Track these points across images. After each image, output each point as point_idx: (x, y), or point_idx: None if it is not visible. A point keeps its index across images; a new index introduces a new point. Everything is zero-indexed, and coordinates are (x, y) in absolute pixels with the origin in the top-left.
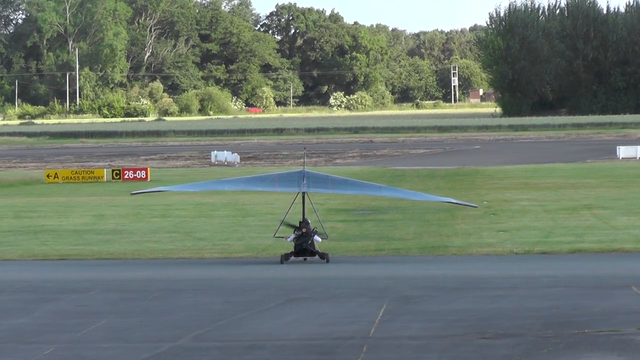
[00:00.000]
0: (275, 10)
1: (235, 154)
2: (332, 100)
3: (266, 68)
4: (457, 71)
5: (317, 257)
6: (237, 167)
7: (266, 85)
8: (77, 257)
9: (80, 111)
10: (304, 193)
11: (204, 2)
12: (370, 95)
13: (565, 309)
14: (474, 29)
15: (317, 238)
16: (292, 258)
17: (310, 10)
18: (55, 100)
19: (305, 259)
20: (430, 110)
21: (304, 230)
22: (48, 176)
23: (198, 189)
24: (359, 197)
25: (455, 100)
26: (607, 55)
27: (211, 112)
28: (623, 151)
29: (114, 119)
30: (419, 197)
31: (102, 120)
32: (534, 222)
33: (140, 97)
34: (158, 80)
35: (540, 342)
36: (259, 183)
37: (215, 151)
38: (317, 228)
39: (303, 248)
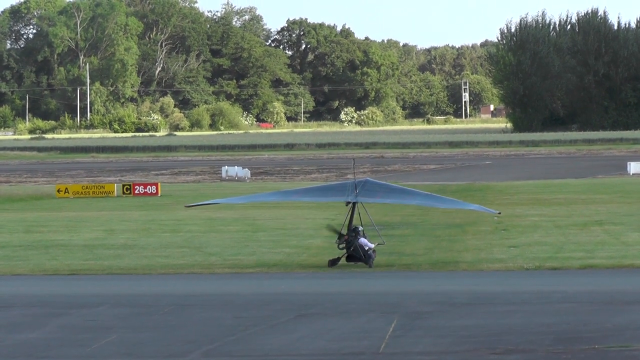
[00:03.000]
0: (286, 25)
1: (246, 169)
2: (343, 116)
3: (277, 83)
4: (468, 87)
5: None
6: (247, 183)
7: (277, 100)
8: (87, 272)
9: (91, 126)
10: (354, 203)
11: (215, 17)
12: (381, 111)
13: (576, 324)
14: (485, 44)
15: (364, 241)
16: (340, 263)
17: (321, 25)
18: (66, 115)
19: (355, 263)
20: (441, 125)
21: (346, 237)
22: (59, 191)
23: (252, 200)
24: (371, 212)
25: (466, 116)
26: (618, 71)
27: (222, 127)
28: (634, 167)
29: (124, 134)
30: (460, 205)
31: (112, 135)
32: (544, 238)
33: (151, 112)
34: (169, 95)
35: (550, 357)
36: (315, 193)
37: (226, 166)
38: (360, 234)
39: (350, 254)
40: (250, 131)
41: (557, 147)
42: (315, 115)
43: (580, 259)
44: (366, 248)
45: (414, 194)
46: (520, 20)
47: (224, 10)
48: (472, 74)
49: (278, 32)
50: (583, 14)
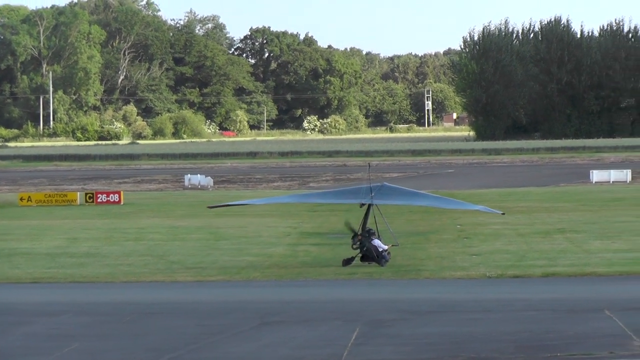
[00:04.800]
0: (249, 33)
1: (209, 177)
2: (305, 124)
3: (240, 91)
4: (430, 95)
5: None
6: (210, 191)
7: (240, 108)
8: (50, 280)
9: (53, 134)
10: (369, 205)
11: (178, 25)
12: (344, 119)
13: (538, 332)
14: (447, 52)
15: (378, 243)
16: (354, 263)
17: (284, 34)
18: (29, 123)
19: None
20: (404, 134)
21: (359, 237)
22: (21, 199)
23: (272, 201)
24: (332, 220)
25: (429, 124)
26: (581, 79)
27: (185, 136)
28: (596, 175)
29: (87, 142)
30: (465, 206)
31: (75, 143)
32: (507, 246)
33: (114, 120)
34: (132, 104)
35: None
36: (331, 196)
37: (189, 175)
38: (374, 236)
39: (363, 254)
40: (213, 139)
41: (519, 156)
42: (278, 123)
43: (543, 267)
44: (380, 249)
45: (424, 196)
46: (483, 29)
47: (187, 18)
48: (435, 82)
49: (241, 41)
50: (546, 23)
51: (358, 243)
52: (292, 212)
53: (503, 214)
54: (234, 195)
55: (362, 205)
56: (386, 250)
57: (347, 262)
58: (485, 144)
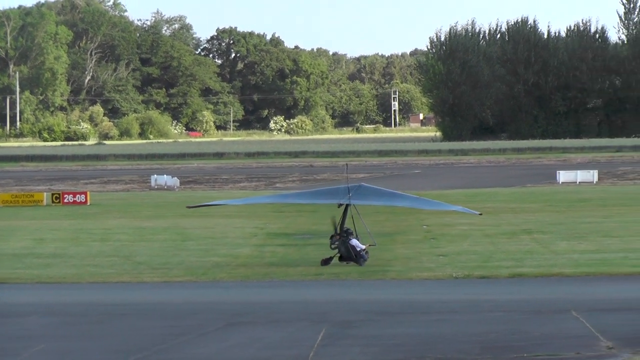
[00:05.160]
0: (216, 34)
1: (175, 178)
2: (272, 124)
3: (207, 92)
4: (397, 95)
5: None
6: (176, 191)
7: (206, 109)
8: (16, 281)
9: (20, 135)
10: (347, 205)
11: (144, 26)
12: (311, 120)
13: (504, 333)
14: (414, 53)
15: (355, 242)
16: (332, 262)
17: (251, 34)
18: None
19: (347, 263)
20: (371, 134)
21: (337, 237)
22: None
23: (250, 202)
24: (299, 221)
25: (395, 125)
26: (547, 80)
27: (151, 136)
28: (563, 176)
29: (54, 143)
30: (443, 207)
31: (42, 144)
32: (473, 247)
33: (80, 120)
34: (98, 104)
35: None
36: (310, 196)
37: (155, 175)
38: (352, 236)
39: (342, 254)
40: (180, 140)
41: (486, 156)
42: (244, 124)
43: (509, 267)
44: (358, 249)
45: (403, 197)
46: (450, 29)
47: (153, 19)
48: (401, 82)
49: (208, 41)
50: (513, 23)
51: (336, 243)
52: (258, 213)
53: (480, 214)
54: (200, 196)
55: (339, 205)
56: (364, 250)
57: (326, 262)
58: (451, 144)
